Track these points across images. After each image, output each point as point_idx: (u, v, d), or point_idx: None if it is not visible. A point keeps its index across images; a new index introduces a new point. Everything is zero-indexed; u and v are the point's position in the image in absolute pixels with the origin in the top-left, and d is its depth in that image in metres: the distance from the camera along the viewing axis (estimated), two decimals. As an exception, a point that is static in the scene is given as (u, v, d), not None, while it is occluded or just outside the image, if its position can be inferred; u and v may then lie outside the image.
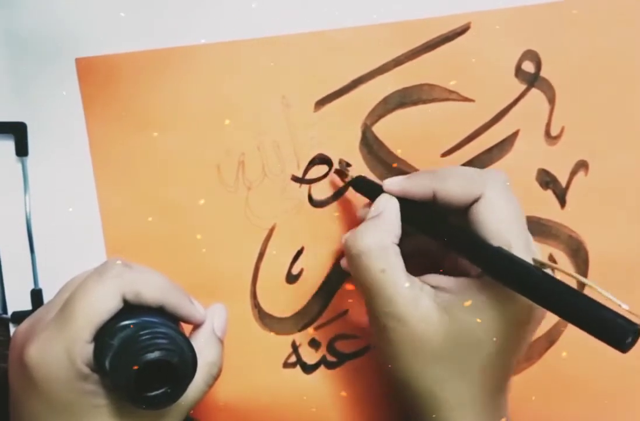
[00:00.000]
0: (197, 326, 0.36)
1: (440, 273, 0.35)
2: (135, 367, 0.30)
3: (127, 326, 0.31)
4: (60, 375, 0.31)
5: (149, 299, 0.33)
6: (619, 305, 0.27)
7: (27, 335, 0.33)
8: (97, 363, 0.31)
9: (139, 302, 0.33)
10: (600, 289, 0.28)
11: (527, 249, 0.32)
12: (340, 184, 0.40)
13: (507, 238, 0.32)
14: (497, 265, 0.31)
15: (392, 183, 0.35)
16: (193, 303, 0.35)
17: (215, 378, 0.35)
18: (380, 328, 0.34)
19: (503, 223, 0.33)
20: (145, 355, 0.30)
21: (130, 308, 0.33)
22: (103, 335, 0.31)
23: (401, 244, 0.35)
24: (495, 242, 0.32)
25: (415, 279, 0.34)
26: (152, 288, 0.33)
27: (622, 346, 0.26)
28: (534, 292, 0.30)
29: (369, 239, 0.34)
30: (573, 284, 0.30)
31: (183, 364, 0.31)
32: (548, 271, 0.31)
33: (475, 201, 0.33)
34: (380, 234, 0.34)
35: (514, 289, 0.31)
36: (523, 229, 0.33)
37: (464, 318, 0.32)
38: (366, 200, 0.38)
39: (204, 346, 0.34)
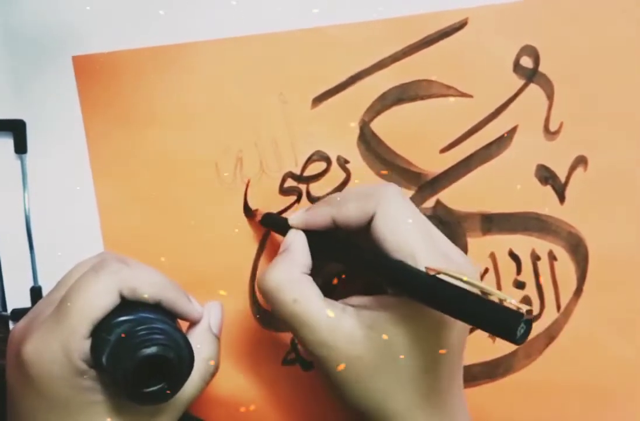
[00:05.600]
0: (193, 323, 0.36)
1: (364, 294, 0.35)
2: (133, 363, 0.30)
3: (124, 321, 0.31)
4: (57, 371, 0.31)
5: (146, 295, 0.33)
6: (505, 299, 0.28)
7: (24, 332, 0.33)
8: (94, 359, 0.32)
9: (136, 298, 0.33)
10: (486, 286, 0.29)
11: (431, 252, 0.33)
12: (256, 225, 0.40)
13: (408, 248, 0.32)
14: (396, 278, 0.32)
15: (294, 218, 0.37)
16: (190, 300, 0.35)
17: (212, 374, 0.35)
18: (316, 361, 0.34)
19: (400, 234, 0.33)
20: (142, 350, 0.30)
21: (127, 304, 0.33)
22: (100, 331, 0.32)
23: (323, 273, 0.36)
24: (399, 254, 0.32)
25: (336, 302, 0.34)
26: (148, 284, 0.33)
27: (514, 337, 0.27)
28: (426, 298, 0.30)
29: (276, 273, 0.34)
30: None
31: (180, 360, 0.31)
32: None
33: (372, 219, 0.34)
34: (287, 267, 0.35)
35: (412, 298, 0.31)
36: (424, 233, 0.33)
37: (387, 332, 0.33)
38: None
39: (200, 343, 0.34)
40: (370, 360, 0.33)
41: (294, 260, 0.35)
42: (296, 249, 0.36)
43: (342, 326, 0.33)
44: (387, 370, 0.33)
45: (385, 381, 0.33)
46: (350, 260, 0.35)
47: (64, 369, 0.31)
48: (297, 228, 0.36)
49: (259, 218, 0.40)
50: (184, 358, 0.31)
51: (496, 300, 0.28)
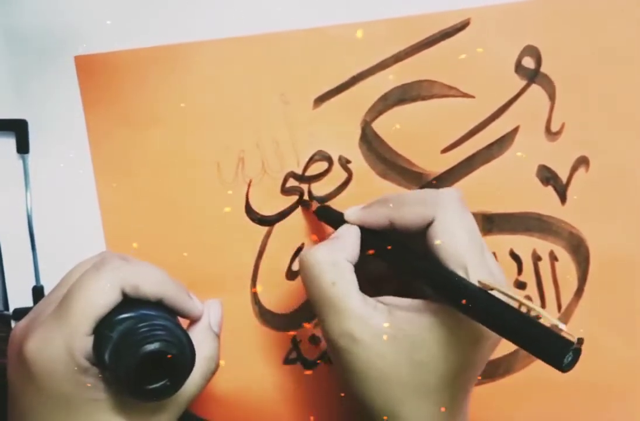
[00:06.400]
0: (193, 321, 0.36)
1: (400, 295, 0.34)
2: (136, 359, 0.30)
3: (126, 318, 0.32)
4: (60, 369, 0.31)
5: (148, 292, 0.33)
6: (557, 325, 0.27)
7: (26, 331, 0.33)
8: (97, 356, 0.32)
9: (138, 295, 0.33)
10: (540, 309, 0.28)
11: (481, 267, 0.32)
12: (310, 215, 0.41)
13: (462, 260, 0.32)
14: (445, 287, 0.32)
15: (350, 214, 0.36)
16: (191, 297, 0.35)
17: (213, 372, 0.35)
18: (335, 350, 0.33)
19: (456, 245, 0.33)
20: (144, 346, 0.30)
21: (129, 302, 0.33)
22: (102, 328, 0.32)
23: (365, 269, 0.35)
24: (451, 264, 0.32)
25: (370, 298, 0.34)
26: (150, 281, 0.33)
27: (560, 365, 0.26)
28: (474, 311, 0.30)
29: (321, 253, 0.34)
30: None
31: (182, 356, 0.31)
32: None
33: (430, 224, 0.33)
34: (334, 250, 0.34)
35: (458, 309, 0.31)
36: (478, 247, 0.33)
37: (418, 337, 0.32)
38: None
39: (201, 341, 0.35)
40: (391, 361, 0.32)
41: (342, 246, 0.35)
42: (347, 239, 0.35)
43: (372, 321, 0.33)
44: (407, 375, 0.32)
45: (402, 385, 0.32)
46: (401, 262, 0.34)
47: (66, 367, 0.31)
48: (353, 224, 0.36)
49: (314, 207, 0.40)
50: (186, 355, 0.31)
51: (547, 324, 0.27)
